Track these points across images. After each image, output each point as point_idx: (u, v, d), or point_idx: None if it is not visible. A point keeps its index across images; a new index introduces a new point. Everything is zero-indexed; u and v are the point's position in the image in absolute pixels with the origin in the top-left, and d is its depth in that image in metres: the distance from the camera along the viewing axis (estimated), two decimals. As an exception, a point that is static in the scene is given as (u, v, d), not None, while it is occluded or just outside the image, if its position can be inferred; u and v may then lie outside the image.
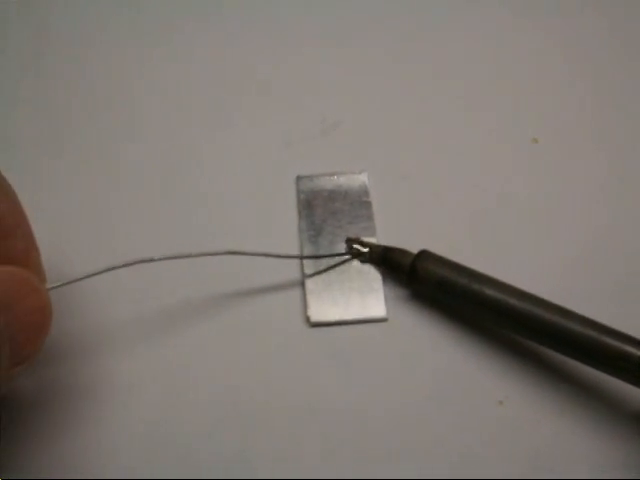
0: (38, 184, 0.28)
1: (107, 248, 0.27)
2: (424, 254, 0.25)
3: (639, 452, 0.23)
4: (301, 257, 0.26)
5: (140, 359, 0.25)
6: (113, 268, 0.22)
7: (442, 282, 0.25)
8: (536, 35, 0.34)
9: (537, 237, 0.28)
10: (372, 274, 0.26)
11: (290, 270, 0.27)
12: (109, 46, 0.33)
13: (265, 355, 0.25)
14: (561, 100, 0.32)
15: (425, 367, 0.25)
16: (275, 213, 0.28)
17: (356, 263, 0.27)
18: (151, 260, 0.23)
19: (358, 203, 0.28)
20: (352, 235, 0.27)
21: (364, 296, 0.26)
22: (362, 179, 0.29)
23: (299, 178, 0.29)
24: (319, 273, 0.26)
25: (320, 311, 0.25)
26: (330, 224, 0.27)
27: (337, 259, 0.26)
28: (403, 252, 0.26)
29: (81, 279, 0.22)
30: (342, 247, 0.27)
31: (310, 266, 0.26)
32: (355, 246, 0.27)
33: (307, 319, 0.25)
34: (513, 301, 0.24)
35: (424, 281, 0.25)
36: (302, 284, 0.26)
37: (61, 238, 0.27)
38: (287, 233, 0.27)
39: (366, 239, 0.27)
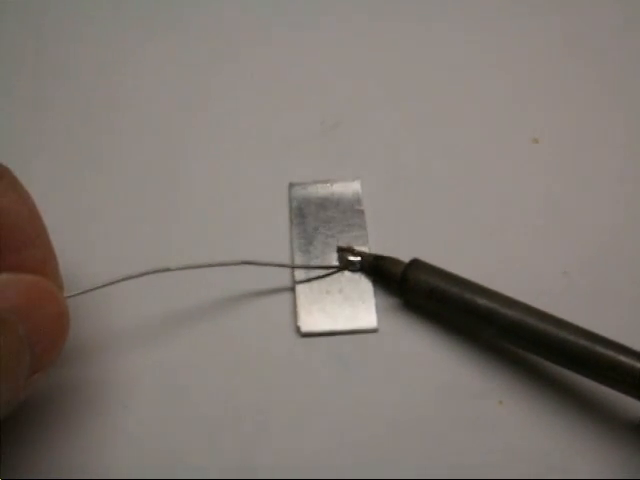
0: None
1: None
2: (415, 263, 0.25)
3: (636, 455, 0.23)
4: (294, 266, 0.27)
5: (138, 364, 0.25)
6: (130, 277, 0.23)
7: (433, 291, 0.25)
8: (536, 35, 0.34)
9: (536, 239, 0.28)
10: (363, 284, 0.26)
11: (281, 279, 0.27)
12: (108, 46, 0.34)
13: (255, 364, 0.25)
14: (561, 100, 0.32)
15: (418, 376, 0.25)
16: (267, 221, 0.28)
17: (347, 273, 0.27)
18: (167, 270, 0.24)
19: (351, 211, 0.28)
20: (344, 244, 0.27)
21: (355, 306, 0.26)
22: (355, 187, 0.29)
23: (292, 185, 0.29)
24: (309, 281, 0.26)
25: (310, 321, 0.26)
26: (322, 232, 0.28)
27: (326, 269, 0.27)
28: (394, 261, 0.26)
29: (98, 288, 0.23)
30: (334, 256, 0.27)
31: (301, 276, 0.27)
32: (349, 258, 0.27)
33: (297, 329, 0.26)
34: (505, 310, 0.24)
35: (415, 290, 0.25)
36: (293, 293, 0.26)
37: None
38: (278, 241, 0.28)
39: (358, 248, 0.27)
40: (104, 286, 0.23)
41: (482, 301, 0.24)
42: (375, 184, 0.29)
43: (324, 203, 0.28)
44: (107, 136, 0.31)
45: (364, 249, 0.27)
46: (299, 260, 0.27)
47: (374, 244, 0.27)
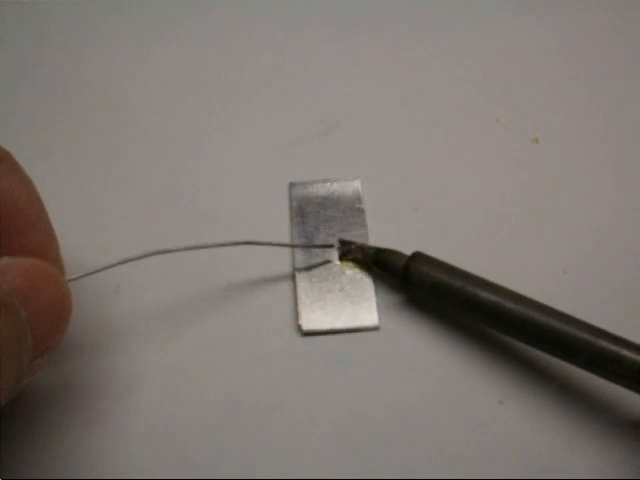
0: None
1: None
2: (418, 256, 0.26)
3: (636, 454, 0.23)
4: (294, 245, 0.27)
5: (137, 365, 0.25)
6: (130, 260, 0.23)
7: (436, 285, 0.25)
8: (536, 34, 0.34)
9: (536, 238, 0.28)
10: (364, 282, 0.27)
11: (282, 278, 0.27)
12: (107, 47, 0.34)
13: (256, 363, 0.25)
14: (561, 100, 0.32)
15: (420, 373, 0.25)
16: (267, 220, 0.29)
17: (348, 271, 0.27)
18: (167, 251, 0.24)
19: (351, 210, 0.28)
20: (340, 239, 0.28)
21: (356, 305, 0.26)
22: (355, 186, 0.29)
23: (292, 185, 0.29)
24: (309, 268, 0.27)
25: (312, 320, 0.26)
26: (323, 231, 0.28)
27: (327, 256, 0.27)
28: (396, 254, 0.26)
29: (99, 270, 0.23)
30: (334, 254, 0.27)
31: (302, 277, 0.27)
32: (349, 242, 0.27)
33: (299, 328, 0.26)
34: (508, 304, 0.24)
35: (418, 284, 0.25)
36: (294, 291, 0.27)
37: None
38: (279, 240, 0.28)
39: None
40: (105, 269, 0.23)
41: (484, 294, 0.24)
42: (375, 183, 0.30)
43: (324, 202, 0.29)
44: (111, 134, 0.32)
45: (364, 247, 0.27)
46: (299, 260, 0.27)
47: (374, 242, 0.28)
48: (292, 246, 0.27)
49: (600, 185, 0.30)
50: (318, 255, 0.27)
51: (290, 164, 0.30)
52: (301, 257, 0.27)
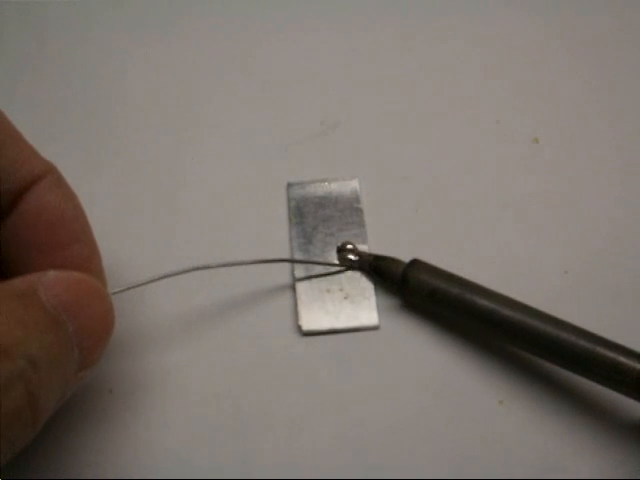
0: None
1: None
2: (415, 263, 0.26)
3: (636, 455, 0.24)
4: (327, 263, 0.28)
5: (136, 366, 0.26)
6: (171, 275, 0.24)
7: (434, 292, 0.25)
8: (536, 34, 0.35)
9: (536, 238, 0.28)
10: (364, 282, 0.27)
11: (281, 279, 0.27)
12: (107, 47, 0.35)
13: (257, 364, 0.26)
14: (561, 100, 0.32)
15: (420, 373, 0.25)
16: (266, 220, 0.29)
17: (348, 271, 0.27)
18: (207, 267, 0.24)
19: (349, 210, 0.29)
20: (344, 241, 0.28)
21: (356, 305, 0.27)
22: (353, 185, 0.30)
23: (290, 185, 0.30)
24: (309, 278, 0.27)
25: (312, 320, 0.26)
26: (321, 231, 0.28)
27: (328, 269, 0.27)
28: (394, 261, 0.26)
29: (143, 284, 0.23)
30: (334, 255, 0.28)
31: (302, 276, 0.27)
32: (349, 257, 0.27)
33: (299, 328, 0.26)
34: (506, 312, 0.24)
35: (415, 291, 0.26)
36: (293, 292, 0.27)
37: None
38: (278, 241, 0.28)
39: (357, 246, 0.28)
40: (148, 282, 0.23)
41: (483, 302, 0.24)
42: (373, 182, 0.30)
43: (322, 202, 0.29)
44: (111, 133, 0.32)
45: (363, 247, 0.28)
46: (299, 259, 0.28)
47: (373, 242, 0.28)
48: (324, 264, 0.27)
49: (600, 185, 0.30)
50: (318, 256, 0.28)
51: (288, 164, 0.30)
52: (301, 258, 0.28)
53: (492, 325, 0.24)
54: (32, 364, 0.17)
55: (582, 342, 0.23)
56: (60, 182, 0.22)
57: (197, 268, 0.24)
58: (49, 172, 0.22)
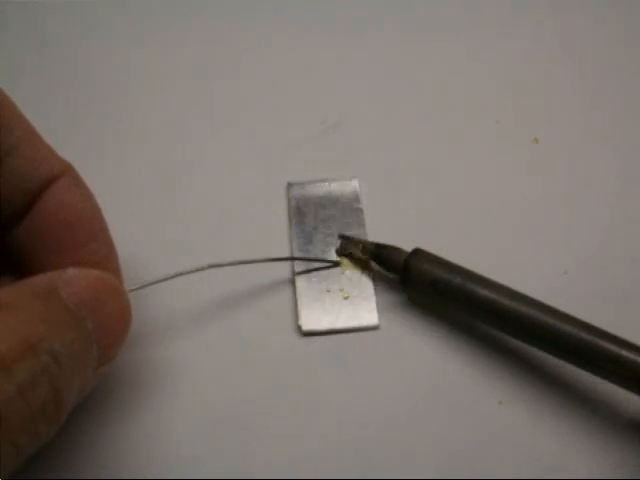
0: None
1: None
2: (418, 252, 0.26)
3: (636, 454, 0.24)
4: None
5: (134, 365, 0.26)
6: (186, 272, 0.24)
7: (436, 282, 0.25)
8: (536, 35, 0.35)
9: (536, 238, 0.29)
10: (364, 282, 0.27)
11: (281, 279, 0.28)
12: (108, 47, 0.35)
13: (256, 364, 0.26)
14: (561, 100, 0.33)
15: (419, 373, 0.26)
16: (266, 220, 0.29)
17: (348, 272, 0.28)
18: (219, 265, 0.25)
19: (349, 210, 0.29)
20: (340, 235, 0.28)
21: (356, 304, 0.27)
22: (353, 185, 0.30)
23: (290, 185, 0.30)
24: (308, 272, 0.27)
25: (312, 320, 0.26)
26: (321, 231, 0.29)
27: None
28: (396, 250, 0.27)
29: (158, 282, 0.24)
30: (333, 254, 0.28)
31: (302, 278, 0.28)
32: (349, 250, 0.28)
33: (299, 328, 0.26)
34: (507, 302, 0.24)
35: (417, 280, 0.26)
36: (294, 292, 0.27)
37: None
38: (278, 240, 0.29)
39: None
40: (163, 280, 0.24)
41: (484, 292, 0.25)
42: (373, 182, 0.30)
43: (322, 202, 0.29)
44: (110, 134, 0.32)
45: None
46: (299, 263, 0.28)
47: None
48: (329, 262, 0.28)
49: (600, 185, 0.30)
50: (317, 255, 0.28)
51: (288, 164, 0.31)
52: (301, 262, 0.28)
53: (493, 315, 0.25)
54: (55, 360, 0.18)
55: (584, 334, 0.23)
56: (78, 181, 0.23)
57: (212, 266, 0.25)
58: (67, 171, 0.22)
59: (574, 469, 0.24)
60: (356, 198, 0.29)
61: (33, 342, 0.17)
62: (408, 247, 0.27)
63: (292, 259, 0.27)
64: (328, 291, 0.27)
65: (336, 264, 0.28)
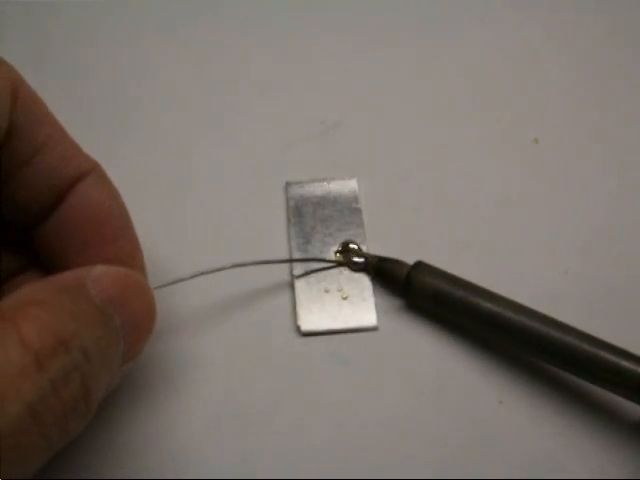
0: None
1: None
2: (420, 266, 0.27)
3: (636, 455, 0.24)
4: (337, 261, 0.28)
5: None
6: (209, 272, 0.25)
7: (438, 295, 0.26)
8: (536, 35, 0.36)
9: (536, 238, 0.29)
10: (363, 283, 0.28)
11: (281, 280, 0.28)
12: (108, 48, 0.35)
13: (255, 364, 0.26)
14: (561, 100, 0.33)
15: (419, 373, 0.26)
16: (264, 220, 0.29)
17: (346, 271, 0.28)
18: (242, 265, 0.25)
19: (348, 210, 0.29)
20: (347, 240, 0.28)
21: (355, 305, 0.27)
22: (352, 185, 0.30)
23: (288, 184, 0.30)
24: (308, 274, 0.28)
25: (310, 320, 0.27)
26: (320, 231, 0.29)
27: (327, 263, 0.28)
28: (398, 263, 0.27)
29: (183, 280, 0.24)
30: (332, 255, 0.28)
31: (301, 279, 0.28)
32: (354, 259, 0.28)
33: (297, 328, 0.27)
34: (509, 315, 0.25)
35: (419, 293, 0.26)
36: (292, 292, 0.28)
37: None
38: (277, 240, 0.29)
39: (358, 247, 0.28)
40: (188, 278, 0.24)
41: (486, 305, 0.25)
42: (372, 182, 0.30)
43: (321, 202, 0.30)
44: (110, 134, 0.32)
45: (362, 247, 0.28)
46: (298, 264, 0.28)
47: (372, 242, 0.29)
48: (331, 262, 0.28)
49: (600, 185, 0.31)
50: (316, 255, 0.28)
51: (287, 164, 0.31)
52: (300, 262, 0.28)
53: (496, 328, 0.25)
54: (86, 357, 0.18)
55: (585, 346, 0.23)
56: (104, 179, 0.23)
57: (235, 265, 0.25)
58: (94, 169, 0.23)
59: (574, 469, 0.24)
60: (355, 198, 0.30)
61: (65, 338, 0.17)
62: (407, 247, 0.27)
63: (310, 260, 0.28)
64: (327, 291, 0.27)
65: (339, 264, 0.28)
